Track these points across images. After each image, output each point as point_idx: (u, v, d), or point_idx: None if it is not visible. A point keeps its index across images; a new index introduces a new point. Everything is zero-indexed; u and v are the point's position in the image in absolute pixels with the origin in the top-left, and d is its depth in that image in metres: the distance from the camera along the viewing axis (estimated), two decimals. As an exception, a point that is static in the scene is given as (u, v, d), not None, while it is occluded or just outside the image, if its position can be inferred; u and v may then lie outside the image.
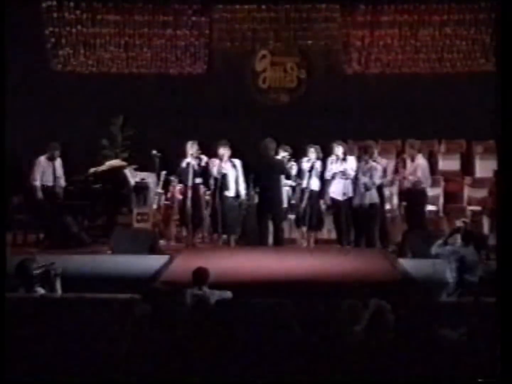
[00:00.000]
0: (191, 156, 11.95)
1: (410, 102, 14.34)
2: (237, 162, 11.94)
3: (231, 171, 11.87)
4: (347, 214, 11.78)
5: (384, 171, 11.85)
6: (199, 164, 11.93)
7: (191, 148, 11.95)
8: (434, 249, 8.78)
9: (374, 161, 11.72)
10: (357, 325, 6.06)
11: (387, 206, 12.23)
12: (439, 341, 5.78)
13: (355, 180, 11.68)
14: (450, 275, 8.41)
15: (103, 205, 12.47)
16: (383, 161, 12.06)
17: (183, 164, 11.98)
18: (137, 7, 14.92)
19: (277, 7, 14.95)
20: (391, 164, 12.42)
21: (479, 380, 5.24)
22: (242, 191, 11.92)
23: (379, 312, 6.06)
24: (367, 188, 11.57)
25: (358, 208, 11.63)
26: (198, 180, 12.00)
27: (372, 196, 11.60)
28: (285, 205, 12.01)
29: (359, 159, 11.95)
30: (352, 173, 11.73)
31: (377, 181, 11.61)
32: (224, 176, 11.82)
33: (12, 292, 7.23)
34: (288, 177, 11.89)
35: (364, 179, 11.59)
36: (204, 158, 11.99)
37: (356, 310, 6.15)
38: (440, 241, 8.70)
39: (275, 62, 15.16)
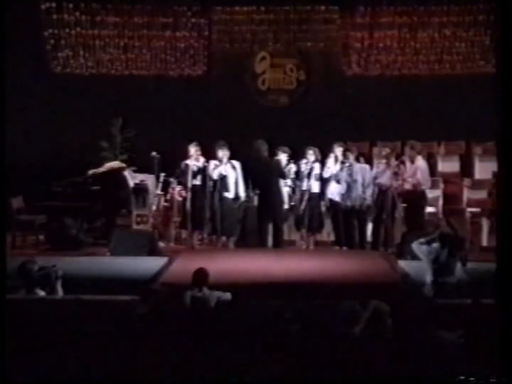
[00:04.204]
0: (191, 158, 11.98)
1: (410, 104, 14.34)
2: (237, 164, 11.94)
3: (231, 173, 11.87)
4: (345, 216, 11.79)
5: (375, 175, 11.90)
6: (198, 166, 11.95)
7: (191, 149, 11.97)
8: (414, 246, 8.72)
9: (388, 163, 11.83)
10: (355, 327, 6.06)
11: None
12: (437, 343, 5.78)
13: (355, 182, 11.71)
14: (427, 276, 8.40)
15: (102, 207, 12.46)
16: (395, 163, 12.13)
17: (183, 166, 12.00)
18: (137, 9, 14.91)
19: (277, 9, 14.94)
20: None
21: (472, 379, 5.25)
22: (242, 192, 11.92)
23: (377, 314, 6.07)
24: (367, 190, 11.62)
25: (357, 209, 11.66)
26: (197, 182, 12.00)
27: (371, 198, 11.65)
28: (286, 206, 12.01)
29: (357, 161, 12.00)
30: (350, 175, 11.75)
31: (368, 182, 11.69)
32: (223, 178, 11.83)
33: (13, 294, 7.25)
34: (283, 177, 11.87)
35: (363, 181, 11.63)
36: (203, 160, 12.01)
37: (355, 311, 6.15)
38: (422, 239, 8.62)
39: (274, 64, 15.15)
